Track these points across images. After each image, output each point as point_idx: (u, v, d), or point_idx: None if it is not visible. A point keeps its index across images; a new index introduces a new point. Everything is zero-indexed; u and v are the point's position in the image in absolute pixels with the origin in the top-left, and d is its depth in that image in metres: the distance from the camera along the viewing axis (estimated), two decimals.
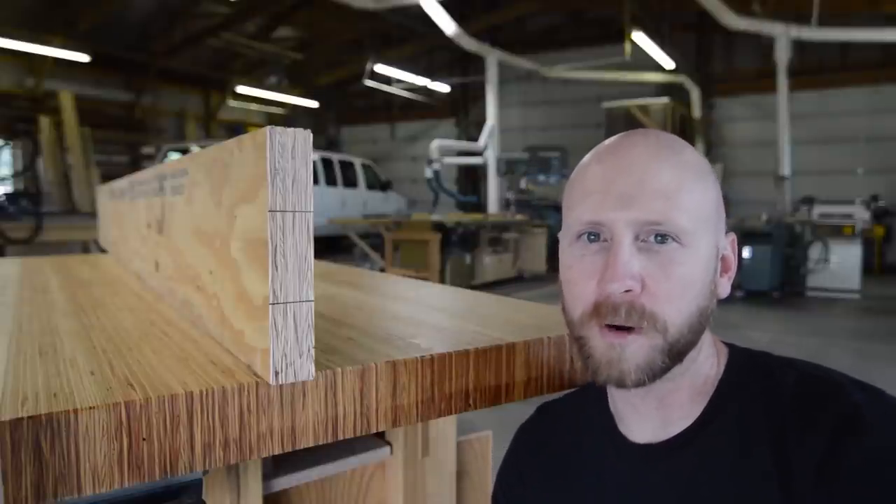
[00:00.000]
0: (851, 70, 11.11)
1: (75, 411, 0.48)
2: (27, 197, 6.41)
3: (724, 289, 0.60)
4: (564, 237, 0.61)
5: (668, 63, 10.87)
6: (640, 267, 0.55)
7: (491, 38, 11.12)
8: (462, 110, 15.33)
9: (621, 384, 0.56)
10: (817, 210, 8.41)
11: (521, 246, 8.78)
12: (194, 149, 9.16)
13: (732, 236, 0.62)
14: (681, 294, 0.55)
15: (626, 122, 10.96)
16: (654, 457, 0.60)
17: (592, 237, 0.58)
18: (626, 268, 0.55)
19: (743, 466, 0.55)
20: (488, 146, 10.43)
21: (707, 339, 0.61)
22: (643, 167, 0.57)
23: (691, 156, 0.59)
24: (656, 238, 0.55)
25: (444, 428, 0.92)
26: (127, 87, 13.50)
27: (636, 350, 0.55)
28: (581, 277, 0.58)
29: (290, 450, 0.57)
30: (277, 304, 0.53)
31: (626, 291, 0.55)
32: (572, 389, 0.77)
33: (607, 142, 0.62)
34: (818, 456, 0.51)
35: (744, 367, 0.61)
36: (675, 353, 0.56)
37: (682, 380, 0.59)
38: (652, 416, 0.61)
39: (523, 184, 10.39)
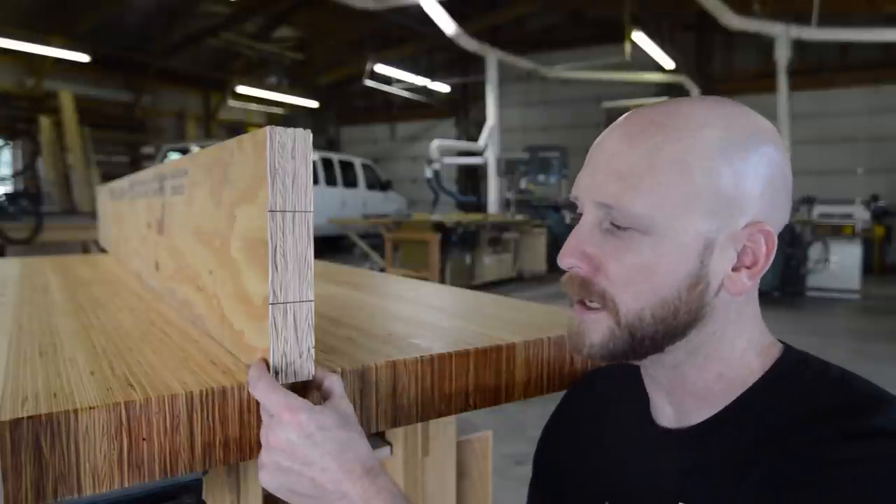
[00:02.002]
0: (851, 70, 11.12)
1: (75, 411, 0.48)
2: (27, 197, 6.41)
3: (738, 284, 0.54)
4: None
5: (668, 63, 10.87)
6: (595, 247, 0.55)
7: (491, 38, 11.12)
8: (462, 110, 15.33)
9: (581, 355, 0.58)
10: (817, 210, 8.40)
11: (521, 246, 8.77)
12: (194, 149, 9.16)
13: (765, 228, 0.53)
14: (635, 280, 0.53)
15: None
16: (671, 443, 0.59)
17: (580, 215, 0.58)
18: (574, 245, 0.56)
19: (745, 476, 0.52)
20: (488, 146, 10.43)
21: (740, 338, 0.57)
22: (615, 145, 0.55)
23: (691, 136, 0.53)
24: (617, 222, 0.54)
25: (444, 428, 0.92)
26: (127, 87, 13.51)
27: (592, 328, 0.56)
28: None
29: None
30: (277, 304, 0.53)
31: (578, 268, 0.56)
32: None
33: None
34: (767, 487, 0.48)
35: (790, 372, 0.56)
36: (639, 340, 0.54)
37: (687, 369, 0.57)
38: (669, 400, 0.60)
39: (523, 184, 10.39)
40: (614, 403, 0.69)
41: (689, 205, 0.52)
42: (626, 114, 0.58)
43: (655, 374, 0.60)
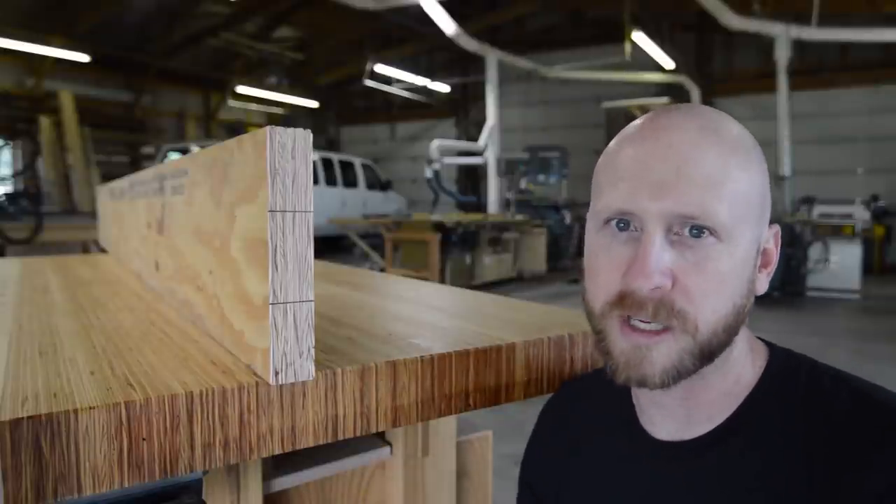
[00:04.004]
0: (851, 70, 11.11)
1: (75, 411, 0.48)
2: (27, 197, 6.41)
3: (762, 285, 0.56)
4: (591, 221, 0.58)
5: (668, 63, 10.87)
6: (671, 262, 0.52)
7: (490, 38, 11.11)
8: (462, 110, 15.33)
9: (642, 385, 0.53)
10: (817, 210, 8.41)
11: (521, 246, 8.77)
12: (194, 149, 9.16)
13: (776, 228, 0.57)
14: (715, 292, 0.51)
15: (626, 122, 10.91)
16: (676, 456, 0.58)
17: (622, 225, 0.54)
18: (656, 263, 0.51)
19: (775, 478, 0.52)
20: (488, 146, 10.43)
21: (742, 336, 0.57)
22: (682, 152, 0.52)
23: (736, 134, 0.54)
24: (692, 231, 0.51)
25: (444, 428, 0.92)
26: (127, 87, 13.50)
27: (663, 352, 0.52)
28: (607, 267, 0.55)
29: (290, 450, 0.57)
30: (277, 304, 0.53)
31: (655, 288, 0.51)
32: (595, 369, 0.75)
33: (641, 121, 0.57)
34: (882, 488, 0.47)
35: (786, 372, 0.56)
36: (707, 355, 0.53)
37: (712, 378, 0.56)
38: (676, 414, 0.58)
39: (523, 184, 10.39)
40: (599, 417, 0.67)
41: (750, 211, 0.53)
42: (654, 121, 0.55)
43: (673, 388, 0.57)
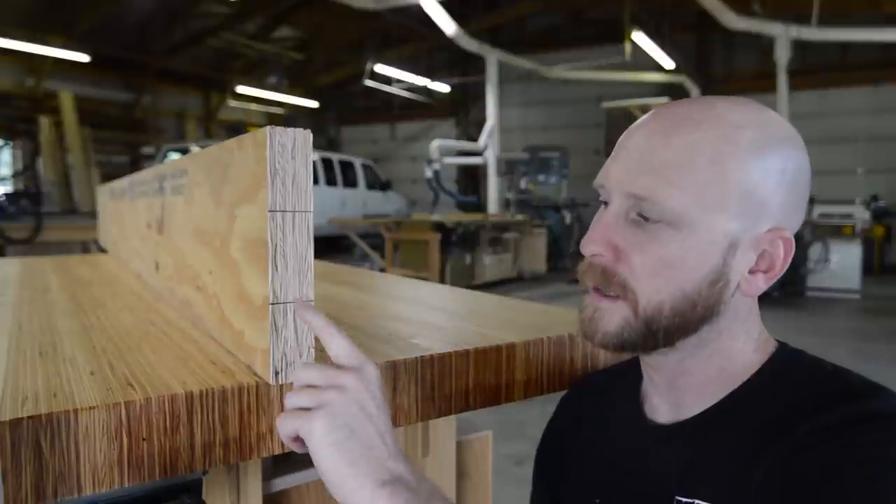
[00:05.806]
0: (851, 70, 11.12)
1: (75, 411, 0.48)
2: (27, 197, 6.42)
3: (754, 286, 0.55)
4: None
5: (668, 63, 10.88)
6: (621, 237, 0.55)
7: (491, 38, 11.13)
8: (462, 110, 15.34)
9: (591, 342, 0.58)
10: (817, 210, 8.41)
11: (521, 246, 8.78)
12: (194, 149, 9.16)
13: (785, 235, 0.55)
14: (658, 274, 0.54)
15: (627, 121, 10.94)
16: (666, 437, 0.60)
17: (605, 203, 0.58)
18: (601, 233, 0.56)
19: (735, 463, 0.53)
20: (488, 146, 10.44)
21: (741, 332, 0.58)
22: (651, 138, 0.55)
23: (740, 128, 0.53)
24: (640, 213, 0.54)
25: (444, 428, 0.92)
26: (127, 87, 13.52)
27: (607, 316, 0.56)
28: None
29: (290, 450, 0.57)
30: (277, 303, 0.53)
31: (601, 256, 0.56)
32: (616, 363, 0.76)
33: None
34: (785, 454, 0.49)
35: (785, 367, 0.57)
36: (654, 332, 0.55)
37: (690, 363, 0.58)
38: (666, 396, 0.61)
39: (523, 184, 10.39)
40: (608, 404, 0.69)
41: (721, 203, 0.53)
42: (656, 108, 0.58)
43: (657, 368, 0.60)
